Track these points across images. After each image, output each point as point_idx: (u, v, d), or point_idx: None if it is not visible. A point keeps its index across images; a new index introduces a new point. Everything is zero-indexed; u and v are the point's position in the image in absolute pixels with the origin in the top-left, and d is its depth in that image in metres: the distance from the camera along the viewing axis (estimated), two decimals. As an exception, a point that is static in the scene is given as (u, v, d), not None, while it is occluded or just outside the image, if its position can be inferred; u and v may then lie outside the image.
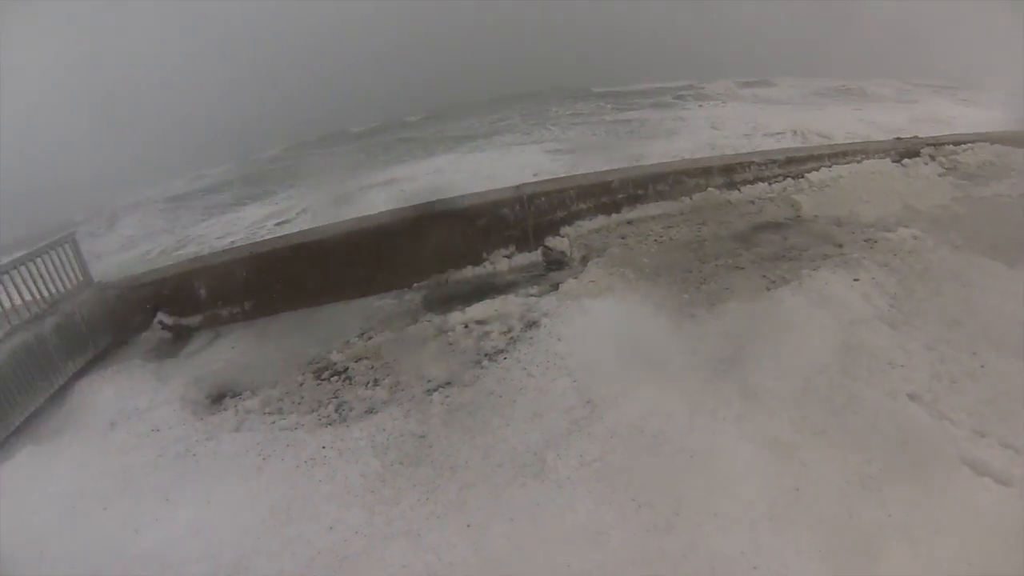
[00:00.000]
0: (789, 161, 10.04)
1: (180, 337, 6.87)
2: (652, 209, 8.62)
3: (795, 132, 15.59)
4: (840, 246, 7.58)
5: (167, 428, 5.18)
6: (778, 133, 15.69)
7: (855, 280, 6.54)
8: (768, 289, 6.40)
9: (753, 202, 9.15)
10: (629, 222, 8.33)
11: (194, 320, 7.05)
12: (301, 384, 5.51)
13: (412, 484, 4.12)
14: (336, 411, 5.06)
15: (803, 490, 3.87)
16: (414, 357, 5.55)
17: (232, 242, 11.38)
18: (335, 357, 5.82)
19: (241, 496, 4.33)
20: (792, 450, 4.20)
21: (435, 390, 5.04)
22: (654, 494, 3.86)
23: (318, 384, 5.48)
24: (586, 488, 3.93)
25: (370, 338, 6.00)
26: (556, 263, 7.37)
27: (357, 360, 5.69)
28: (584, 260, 7.22)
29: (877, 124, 15.55)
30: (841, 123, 16.09)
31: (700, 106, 21.22)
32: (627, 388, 4.78)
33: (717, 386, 4.81)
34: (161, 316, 6.98)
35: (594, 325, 5.67)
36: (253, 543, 3.98)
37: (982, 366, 5.11)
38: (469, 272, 7.26)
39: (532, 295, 6.45)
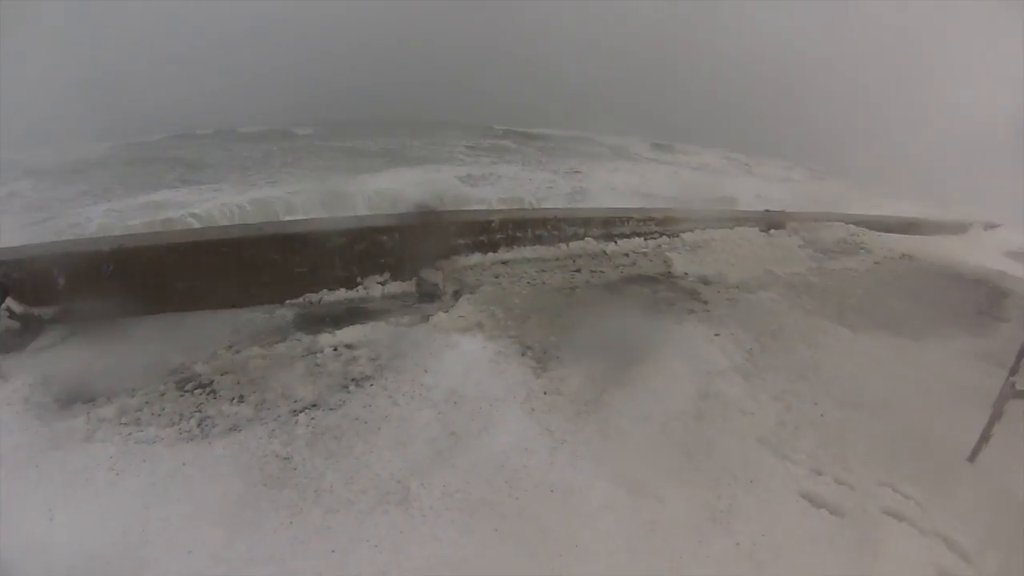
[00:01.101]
0: (666, 220, 10.45)
1: (29, 329, 6.03)
2: (528, 252, 8.76)
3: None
4: (705, 303, 7.94)
5: (6, 433, 4.56)
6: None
7: (716, 335, 6.87)
8: (634, 338, 6.61)
9: (628, 255, 9.46)
10: (504, 262, 8.44)
11: (48, 311, 6.20)
12: (162, 394, 5.06)
13: (275, 507, 3.93)
14: (198, 426, 4.68)
15: (658, 523, 4.06)
16: (281, 376, 5.32)
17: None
18: (200, 369, 5.42)
19: (90, 514, 3.92)
20: (648, 488, 4.36)
21: (301, 411, 4.84)
22: (516, 525, 3.91)
23: (180, 396, 5.06)
24: (449, 518, 3.91)
25: (238, 352, 5.68)
26: (429, 295, 7.30)
27: (223, 374, 5.36)
28: (456, 295, 7.26)
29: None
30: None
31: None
32: (490, 423, 4.83)
33: (578, 426, 4.92)
34: (9, 303, 6.01)
35: (461, 359, 5.70)
36: (102, 568, 3.64)
37: (822, 415, 5.61)
38: (342, 294, 7.10)
39: (403, 324, 6.39)
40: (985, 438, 5.32)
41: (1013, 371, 6.28)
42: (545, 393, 5.35)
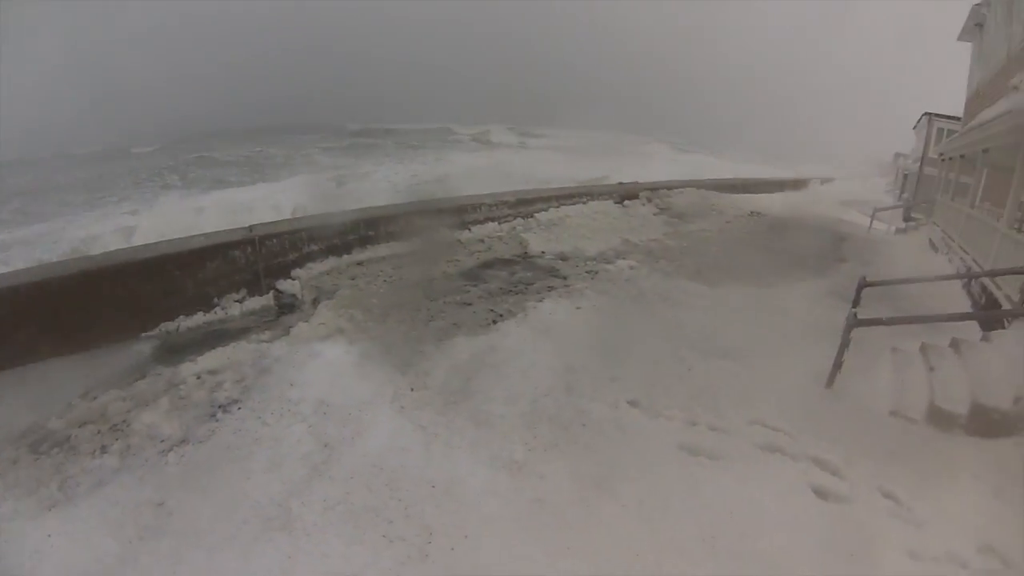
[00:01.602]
0: (519, 202, 10.68)
1: None
2: (383, 250, 8.80)
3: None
4: (564, 278, 8.20)
5: None
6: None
7: (577, 308, 7.13)
8: (494, 322, 6.78)
9: (483, 240, 9.64)
10: (360, 263, 8.44)
11: None
12: (15, 462, 4.63)
13: (156, 559, 3.72)
14: (60, 489, 4.29)
15: (543, 499, 4.19)
16: (145, 416, 5.01)
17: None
18: (54, 425, 5.03)
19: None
20: (528, 466, 4.51)
21: (170, 450, 4.61)
22: (403, 527, 3.94)
23: (36, 460, 4.64)
24: (335, 532, 3.90)
25: (94, 398, 5.34)
26: (288, 306, 7.24)
27: (81, 425, 4.99)
28: (315, 302, 7.20)
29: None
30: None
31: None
32: (361, 428, 4.86)
33: (450, 417, 5.01)
34: None
35: (325, 368, 5.68)
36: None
37: (689, 369, 6.02)
38: (200, 318, 6.87)
39: (264, 340, 6.29)
40: (838, 365, 5.99)
41: (855, 303, 7.02)
42: (412, 389, 5.41)
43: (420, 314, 6.90)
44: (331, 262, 8.33)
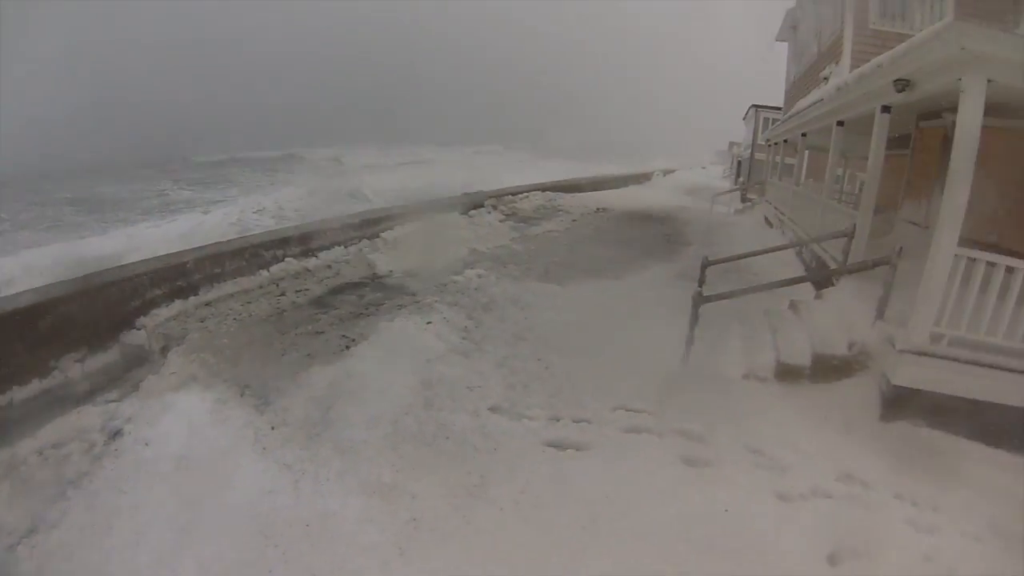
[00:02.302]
0: (364, 223, 10.68)
1: None
2: (230, 287, 8.62)
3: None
4: (414, 295, 8.31)
5: None
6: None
7: (428, 323, 7.24)
8: (348, 348, 6.82)
9: (330, 266, 9.60)
10: (208, 303, 8.22)
11: None
12: None
13: None
14: None
15: (420, 518, 4.30)
16: None
17: None
18: None
19: None
20: (399, 487, 4.59)
21: (19, 543, 4.22)
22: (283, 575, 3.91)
23: None
24: (213, 597, 3.79)
25: None
26: (135, 359, 6.90)
27: None
28: (164, 351, 6.91)
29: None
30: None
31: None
32: (226, 477, 4.73)
33: (314, 451, 4.99)
34: None
35: (181, 420, 5.48)
36: None
37: (547, 368, 6.31)
38: (37, 386, 6.27)
39: (112, 400, 5.97)
40: (690, 341, 6.59)
41: (700, 282, 7.51)
42: (273, 428, 5.35)
43: (273, 349, 6.83)
44: (178, 306, 8.03)
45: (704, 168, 50.89)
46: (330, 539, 4.14)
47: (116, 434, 5.41)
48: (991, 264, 5.60)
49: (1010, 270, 5.58)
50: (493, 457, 4.94)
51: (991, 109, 5.54)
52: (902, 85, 6.98)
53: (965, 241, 5.63)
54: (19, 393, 6.22)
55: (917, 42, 6.20)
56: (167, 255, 8.67)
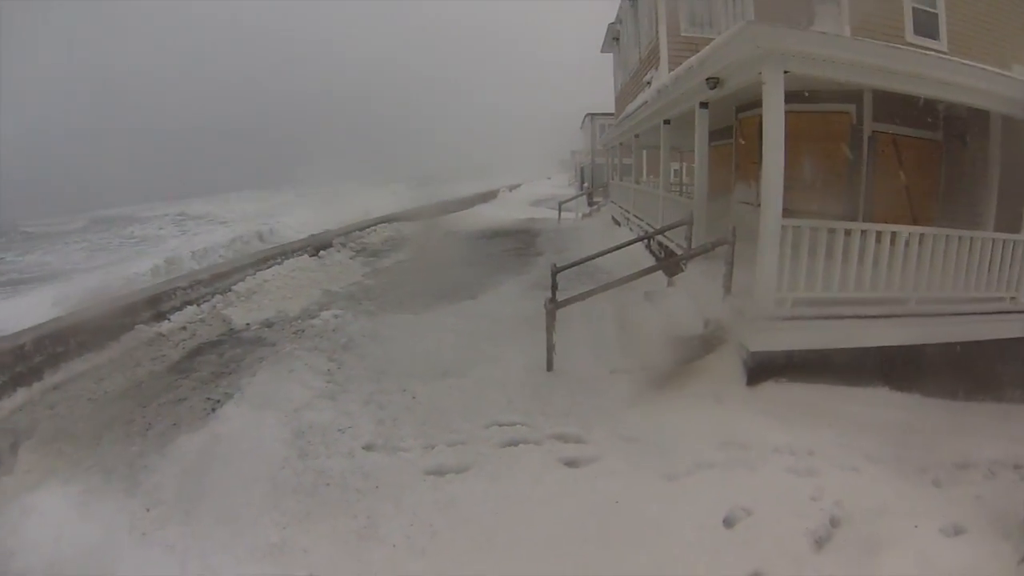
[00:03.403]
0: (215, 278, 10.43)
1: None
2: (79, 365, 8.17)
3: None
4: (273, 345, 8.22)
5: None
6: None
7: (290, 371, 7.19)
8: (214, 410, 6.65)
9: (185, 327, 9.33)
10: (56, 387, 7.72)
11: None
12: None
13: None
14: None
15: (316, 572, 4.28)
16: None
17: None
18: None
19: None
20: (289, 545, 4.55)
21: None
22: None
23: None
24: None
25: None
26: None
27: None
28: (14, 448, 6.38)
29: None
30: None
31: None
32: (107, 573, 4.49)
33: (194, 526, 4.84)
34: None
35: (45, 522, 5.12)
36: None
37: (414, 397, 6.48)
38: None
39: None
40: (551, 347, 6.73)
41: (553, 288, 7.79)
42: (148, 509, 5.13)
43: (135, 425, 6.55)
44: (22, 394, 7.50)
45: (549, 179, 52.26)
46: None
47: None
48: (815, 229, 6.33)
49: (832, 231, 6.36)
50: (376, 496, 4.97)
51: (794, 97, 6.21)
52: (714, 83, 7.69)
53: (793, 213, 6.37)
54: None
55: (720, 43, 6.91)
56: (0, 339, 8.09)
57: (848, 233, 6.41)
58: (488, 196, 18.62)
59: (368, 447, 5.67)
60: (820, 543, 4.37)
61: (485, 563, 4.22)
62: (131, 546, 4.76)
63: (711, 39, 7.74)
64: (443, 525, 4.57)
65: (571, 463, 5.24)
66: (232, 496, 5.13)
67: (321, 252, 12.25)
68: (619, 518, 4.55)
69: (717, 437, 5.44)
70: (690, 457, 5.20)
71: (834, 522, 4.54)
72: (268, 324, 9.04)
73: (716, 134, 10.13)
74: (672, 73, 10.09)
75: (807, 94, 7.91)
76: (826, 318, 6.45)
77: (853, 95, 9.08)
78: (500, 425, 5.83)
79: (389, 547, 4.42)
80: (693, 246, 8.72)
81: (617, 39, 21.85)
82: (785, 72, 6.08)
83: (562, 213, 20.78)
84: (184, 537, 4.74)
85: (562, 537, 4.38)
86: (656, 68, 14.44)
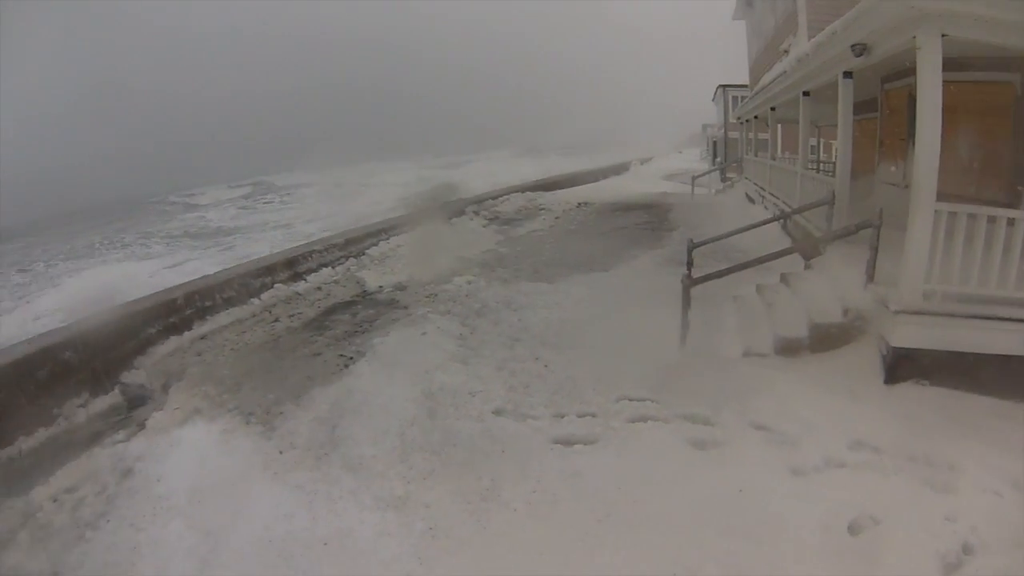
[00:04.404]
0: (348, 242, 10.73)
1: None
2: (223, 318, 8.67)
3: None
4: (406, 307, 8.35)
5: None
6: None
7: (423, 334, 7.28)
8: (347, 366, 6.85)
9: (320, 288, 9.62)
10: (203, 337, 8.25)
11: None
12: None
13: None
14: None
15: (435, 526, 4.34)
16: (5, 558, 4.58)
17: None
18: None
19: None
20: (412, 498, 4.63)
21: None
22: (303, 594, 3.89)
23: None
24: (238, 623, 3.78)
25: None
26: (138, 399, 6.93)
27: None
28: (165, 388, 6.94)
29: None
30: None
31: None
32: (240, 505, 4.76)
33: (324, 471, 5.02)
34: None
35: (190, 454, 5.53)
36: None
37: (546, 366, 6.35)
38: (43, 435, 6.32)
39: (119, 441, 5.99)
40: (685, 324, 6.63)
41: (688, 265, 7.58)
42: (281, 452, 5.39)
43: (273, 375, 6.87)
44: (173, 342, 8.06)
45: (680, 153, 50.96)
46: (350, 556, 4.17)
47: (127, 473, 5.45)
48: (972, 216, 5.64)
49: (992, 219, 5.62)
50: (502, 459, 4.97)
51: (951, 64, 5.64)
52: (860, 49, 7.08)
53: (945, 196, 5.68)
54: (26, 443, 6.28)
55: (868, 4, 6.27)
56: (156, 293, 8.71)
57: (1012, 223, 5.58)
58: (620, 169, 18.30)
59: (498, 412, 5.67)
60: (949, 569, 3.96)
61: (604, 537, 4.11)
62: (264, 483, 5.01)
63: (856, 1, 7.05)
64: (566, 495, 4.50)
65: (697, 445, 5.03)
66: (361, 447, 5.27)
67: (453, 219, 12.37)
68: (741, 508, 4.31)
69: (849, 435, 5.08)
70: (819, 453, 4.88)
71: (967, 549, 4.05)
72: (401, 287, 9.21)
73: (858, 107, 9.36)
74: (813, 40, 9.37)
75: (963, 62, 7.12)
76: (980, 318, 5.67)
77: (1017, 63, 8.05)
78: (630, 400, 5.69)
79: (510, 511, 4.40)
80: (833, 228, 8.23)
81: (750, 3, 20.74)
82: (943, 36, 5.43)
83: (695, 188, 20.21)
84: (313, 481, 4.93)
85: (682, 520, 4.20)
86: (794, 35, 13.51)
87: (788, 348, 6.51)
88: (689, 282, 6.72)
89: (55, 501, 5.25)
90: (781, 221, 11.55)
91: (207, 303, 8.70)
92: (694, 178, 21.53)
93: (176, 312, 8.39)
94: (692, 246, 8.27)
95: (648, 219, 12.15)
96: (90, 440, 6.23)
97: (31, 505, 5.25)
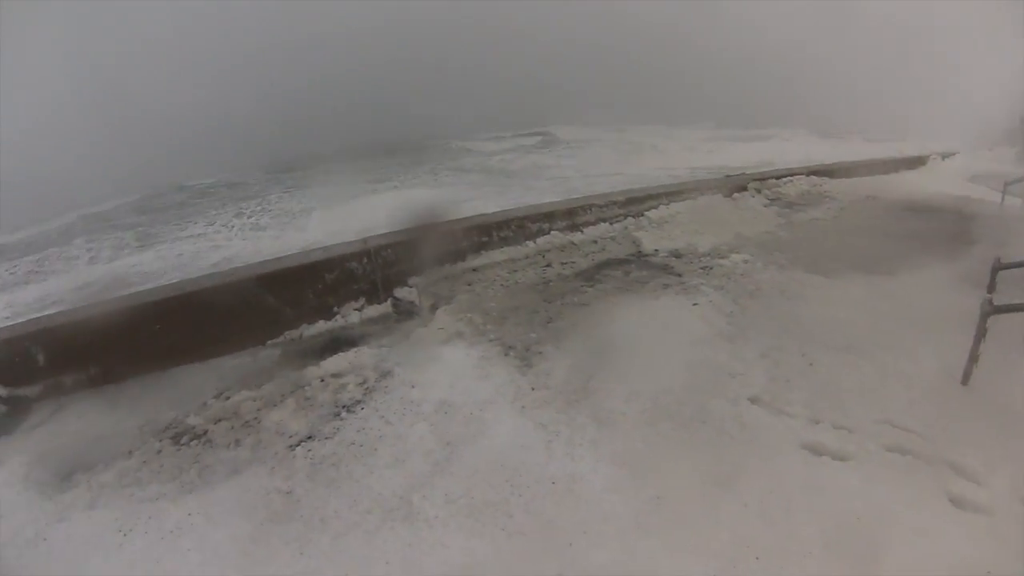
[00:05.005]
0: (629, 201, 10.53)
1: (17, 410, 5.83)
2: (497, 255, 8.79)
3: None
4: (679, 275, 8.01)
5: (11, 514, 4.45)
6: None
7: (694, 304, 6.95)
8: (612, 322, 6.68)
9: (596, 241, 9.52)
10: (475, 269, 8.49)
11: (32, 390, 5.99)
12: (159, 452, 4.99)
13: (284, 541, 3.92)
14: (199, 476, 4.63)
15: (663, 497, 4.10)
16: (274, 414, 5.28)
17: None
18: (193, 420, 5.35)
19: (104, 577, 3.93)
20: (648, 464, 4.42)
21: (297, 445, 4.83)
22: (522, 522, 3.94)
23: (177, 450, 4.99)
24: (455, 524, 3.94)
25: (228, 398, 5.61)
26: (406, 313, 7.34)
27: (216, 422, 5.28)
28: (433, 308, 7.28)
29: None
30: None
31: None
32: (483, 426, 4.87)
33: (571, 416, 4.95)
34: (-7, 388, 5.95)
35: (445, 370, 5.74)
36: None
37: (811, 364, 5.69)
38: (322, 326, 7.06)
39: (384, 345, 6.41)
40: (974, 358, 5.43)
41: (990, 288, 6.46)
42: (533, 389, 5.39)
43: (538, 316, 6.89)
44: (447, 269, 8.41)
45: (990, 151, 45.12)
46: (573, 500, 4.11)
47: (387, 374, 5.80)
48: None
49: None
50: (747, 450, 4.57)
51: None
52: None
53: None
54: (308, 330, 7.03)
55: None
56: (439, 223, 9.14)
57: None
58: (915, 163, 16.58)
59: (754, 399, 5.20)
60: None
61: (828, 562, 3.63)
62: (509, 413, 5.06)
63: None
64: (801, 506, 3.99)
65: (957, 502, 4.14)
66: (613, 402, 5.13)
67: (735, 194, 11.80)
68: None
69: None
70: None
71: None
72: (676, 254, 8.89)
73: None
74: None
75: None
76: None
77: None
78: (893, 426, 4.92)
79: (739, 504, 4.03)
80: None
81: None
82: None
83: (1006, 197, 17.52)
84: (557, 423, 4.88)
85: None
86: None
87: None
88: (990, 308, 5.60)
89: (322, 381, 5.78)
90: None
91: (484, 239, 8.91)
92: (1007, 184, 18.60)
93: (454, 242, 8.70)
94: (999, 266, 7.00)
95: (943, 226, 10.77)
96: (359, 339, 6.69)
97: (302, 379, 5.85)
